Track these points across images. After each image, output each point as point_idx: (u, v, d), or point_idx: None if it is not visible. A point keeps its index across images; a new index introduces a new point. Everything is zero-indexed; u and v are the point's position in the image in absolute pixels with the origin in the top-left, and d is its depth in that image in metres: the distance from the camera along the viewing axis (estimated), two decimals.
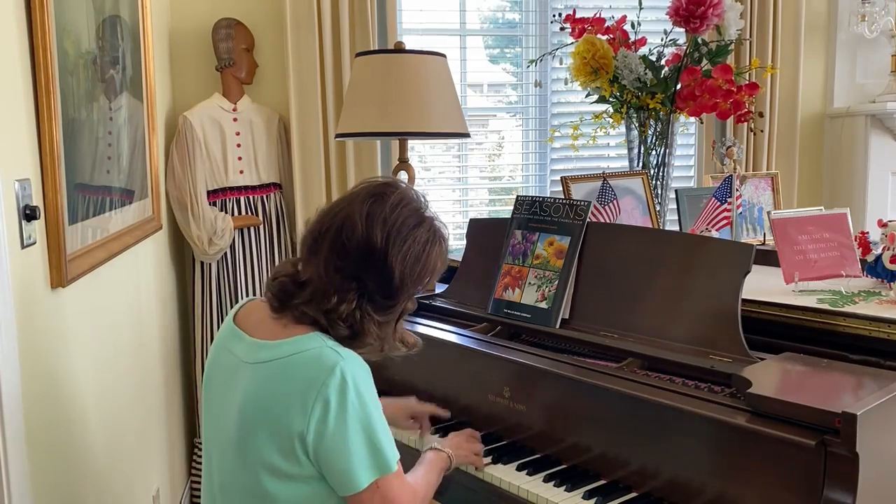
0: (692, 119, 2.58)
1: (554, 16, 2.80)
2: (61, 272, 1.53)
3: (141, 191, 2.34)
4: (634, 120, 2.47)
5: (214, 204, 2.94)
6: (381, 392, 2.05)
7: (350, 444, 1.25)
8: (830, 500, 1.18)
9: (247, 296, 2.57)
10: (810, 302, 1.65)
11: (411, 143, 2.56)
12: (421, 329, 1.95)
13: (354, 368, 1.27)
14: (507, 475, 1.56)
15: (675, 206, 2.44)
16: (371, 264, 1.31)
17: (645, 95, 2.40)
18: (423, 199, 1.39)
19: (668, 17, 2.27)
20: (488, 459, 1.63)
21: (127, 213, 2.13)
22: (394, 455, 1.31)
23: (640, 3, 2.54)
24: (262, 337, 1.34)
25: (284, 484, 1.28)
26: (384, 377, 2.06)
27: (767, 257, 2.04)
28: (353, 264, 1.31)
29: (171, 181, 2.84)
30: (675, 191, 2.47)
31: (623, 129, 2.56)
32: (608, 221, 2.03)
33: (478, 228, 2.15)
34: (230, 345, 1.39)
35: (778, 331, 1.63)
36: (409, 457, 1.56)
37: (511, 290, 1.91)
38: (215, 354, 1.43)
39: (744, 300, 1.58)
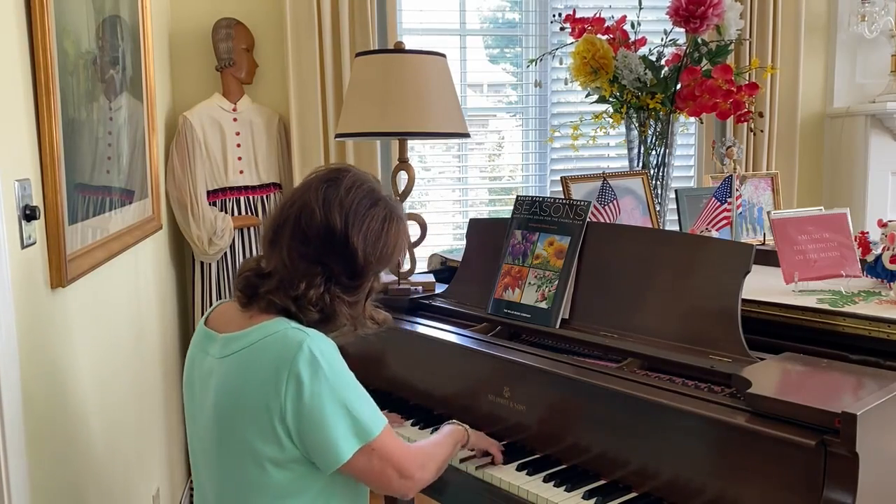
0: (692, 119, 2.58)
1: (554, 16, 2.80)
2: (61, 272, 1.53)
3: (141, 191, 2.34)
4: (634, 120, 2.47)
5: (214, 204, 2.94)
6: (382, 392, 2.05)
7: (327, 417, 1.26)
8: (830, 500, 1.18)
9: None
10: (810, 302, 1.65)
11: (411, 143, 2.56)
12: (421, 329, 1.95)
13: (321, 343, 1.29)
14: (507, 475, 1.56)
15: (675, 206, 2.44)
16: (333, 247, 1.33)
17: (645, 95, 2.40)
18: (375, 181, 1.42)
19: (668, 17, 2.27)
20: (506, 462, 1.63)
21: (127, 213, 2.13)
22: (375, 421, 1.31)
23: (640, 3, 2.54)
24: (232, 331, 1.36)
25: (268, 472, 1.29)
26: (385, 377, 2.06)
27: (767, 257, 2.04)
28: (316, 249, 1.33)
29: (171, 181, 2.84)
30: (675, 191, 2.47)
31: (623, 129, 2.56)
32: (608, 221, 2.03)
33: (478, 228, 2.15)
34: (205, 346, 1.40)
35: (778, 331, 1.63)
36: None
37: (511, 290, 1.91)
38: (191, 360, 1.44)
39: (744, 300, 1.58)
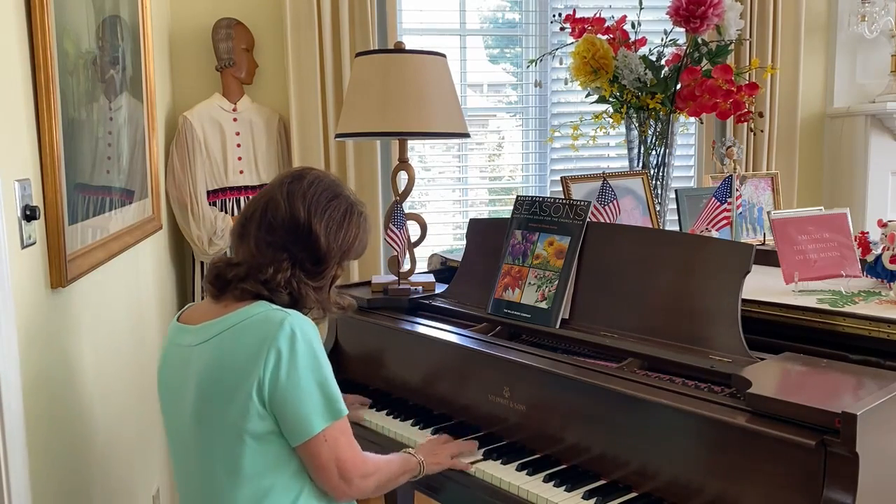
0: (692, 119, 2.58)
1: (554, 16, 2.80)
2: (61, 272, 1.53)
3: (141, 191, 2.34)
4: (634, 120, 2.47)
5: (214, 204, 2.94)
6: (382, 392, 2.05)
7: (303, 390, 1.32)
8: (830, 500, 1.18)
9: None
10: (810, 302, 1.65)
11: (411, 143, 2.56)
12: (421, 329, 1.95)
13: (301, 322, 1.35)
14: (507, 475, 1.56)
15: (675, 206, 2.44)
16: (298, 236, 1.43)
17: (645, 95, 2.40)
18: (338, 181, 1.53)
19: (668, 17, 2.27)
20: (479, 456, 1.63)
21: (127, 213, 2.13)
22: (342, 403, 1.38)
23: (640, 3, 2.54)
24: (208, 320, 1.41)
25: (248, 447, 1.33)
26: (385, 377, 2.06)
27: (767, 257, 2.04)
28: (282, 238, 1.42)
29: (171, 181, 2.84)
30: (675, 191, 2.46)
31: (623, 129, 2.56)
32: (608, 221, 2.03)
33: (478, 228, 2.15)
34: (178, 340, 1.45)
35: (778, 331, 1.63)
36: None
37: (511, 290, 1.91)
38: (164, 358, 1.49)
39: (744, 300, 1.58)
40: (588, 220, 1.83)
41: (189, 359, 1.40)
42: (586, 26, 2.50)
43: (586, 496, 1.46)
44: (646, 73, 2.39)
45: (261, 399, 1.31)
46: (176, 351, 1.45)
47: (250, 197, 3.00)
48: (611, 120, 2.50)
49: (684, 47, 2.38)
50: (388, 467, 1.50)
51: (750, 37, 3.46)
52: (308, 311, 1.45)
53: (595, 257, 1.81)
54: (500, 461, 1.61)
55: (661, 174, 2.45)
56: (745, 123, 2.69)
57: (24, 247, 1.39)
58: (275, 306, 1.38)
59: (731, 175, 2.00)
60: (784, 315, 1.64)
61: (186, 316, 1.49)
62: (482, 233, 2.12)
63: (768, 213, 2.07)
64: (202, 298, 2.95)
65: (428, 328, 1.95)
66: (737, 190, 1.99)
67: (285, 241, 1.42)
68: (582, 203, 1.86)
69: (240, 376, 1.32)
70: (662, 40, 2.49)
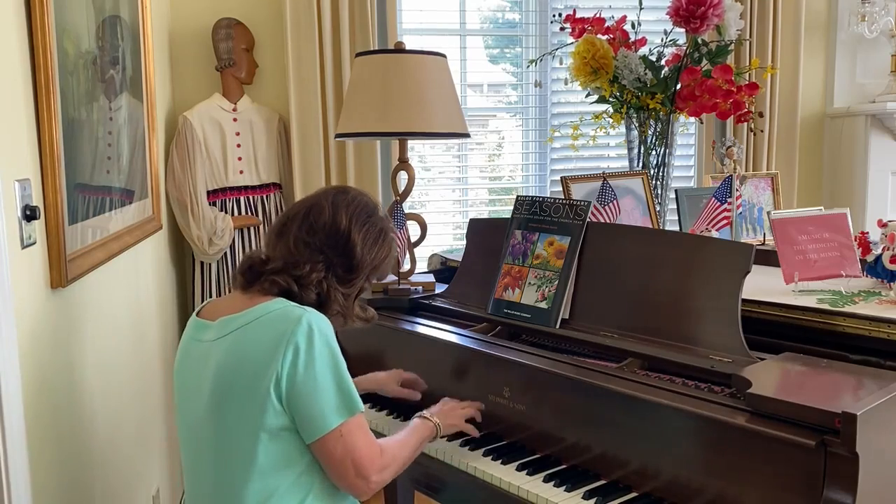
0: (692, 119, 2.58)
1: (554, 16, 2.80)
2: (61, 272, 1.53)
3: (141, 191, 2.34)
4: (634, 120, 2.47)
5: (214, 204, 2.94)
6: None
7: (320, 386, 1.34)
8: (830, 500, 1.18)
9: None
10: (810, 302, 1.65)
11: (411, 143, 2.56)
12: (421, 329, 1.95)
13: (319, 319, 1.38)
14: (507, 475, 1.56)
15: (675, 206, 2.44)
16: (337, 241, 1.48)
17: (645, 95, 2.40)
18: (376, 202, 1.61)
19: (668, 17, 2.27)
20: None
21: (127, 213, 2.13)
22: (358, 400, 1.39)
23: (640, 3, 2.54)
24: (230, 314, 1.42)
25: (262, 443, 1.34)
26: None
27: (767, 257, 2.04)
28: (321, 241, 1.48)
29: (171, 181, 2.84)
30: (675, 191, 2.47)
31: (623, 129, 2.56)
32: (608, 221, 2.03)
33: (478, 228, 2.15)
34: (197, 335, 1.46)
35: (778, 331, 1.63)
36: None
37: (511, 290, 1.91)
38: (183, 352, 1.49)
39: (744, 300, 1.58)
40: (588, 220, 1.83)
41: (208, 354, 1.41)
42: (586, 26, 2.50)
43: (586, 496, 1.46)
44: (646, 74, 2.39)
45: (278, 394, 1.32)
46: (195, 346, 1.46)
47: (250, 197, 3.03)
48: (611, 120, 2.50)
49: (684, 47, 2.38)
50: (403, 452, 1.50)
51: (750, 37, 3.46)
52: (331, 317, 1.46)
53: (595, 257, 1.81)
54: (500, 461, 1.61)
55: (661, 174, 2.45)
56: (745, 123, 2.69)
57: (24, 247, 1.39)
58: (293, 303, 1.40)
59: (731, 175, 2.00)
60: (784, 315, 1.64)
61: (206, 311, 1.50)
62: (482, 233, 2.12)
63: (768, 213, 2.08)
64: (202, 299, 2.97)
65: (428, 328, 1.95)
66: (737, 190, 1.99)
67: (323, 245, 1.47)
68: (582, 203, 1.86)
69: (257, 371, 1.33)
70: (662, 40, 2.49)
